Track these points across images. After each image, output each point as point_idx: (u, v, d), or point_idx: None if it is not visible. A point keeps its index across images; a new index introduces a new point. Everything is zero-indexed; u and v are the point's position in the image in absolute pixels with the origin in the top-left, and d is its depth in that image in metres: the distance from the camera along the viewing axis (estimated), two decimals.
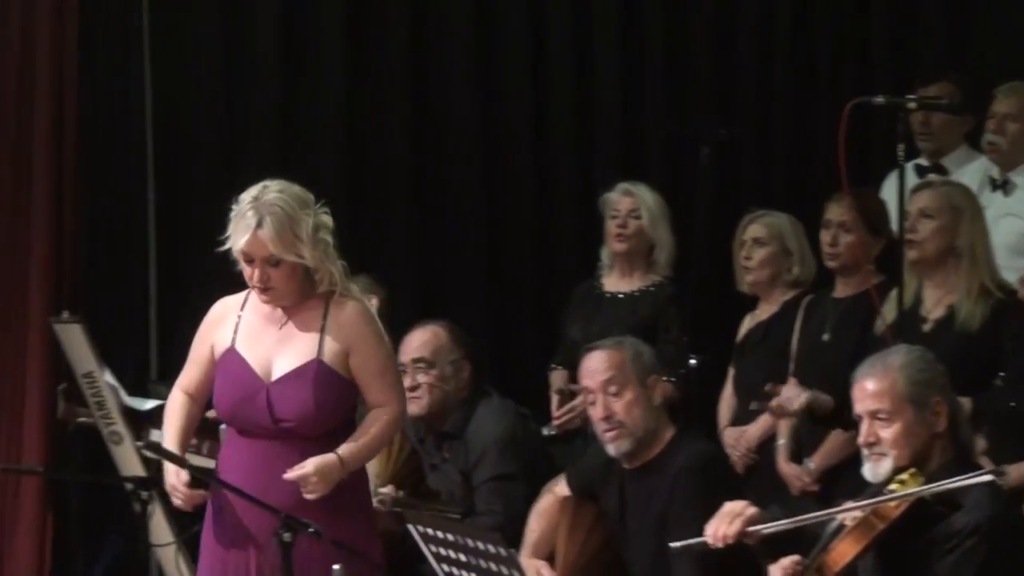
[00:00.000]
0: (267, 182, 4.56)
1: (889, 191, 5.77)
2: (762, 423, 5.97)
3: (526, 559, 4.96)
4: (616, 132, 7.49)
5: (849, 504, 3.97)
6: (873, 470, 4.02)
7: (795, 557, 3.90)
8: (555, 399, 6.47)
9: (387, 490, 5.44)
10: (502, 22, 7.41)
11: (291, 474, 4.42)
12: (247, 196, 4.52)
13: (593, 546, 4.99)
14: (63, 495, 6.87)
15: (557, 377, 6.51)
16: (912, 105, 5.35)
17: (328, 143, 7.31)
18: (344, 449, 4.45)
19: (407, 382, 5.58)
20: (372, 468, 5.74)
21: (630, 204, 6.40)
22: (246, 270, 4.53)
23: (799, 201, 6.68)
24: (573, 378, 6.13)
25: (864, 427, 4.10)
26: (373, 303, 6.40)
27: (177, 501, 4.73)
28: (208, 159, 7.18)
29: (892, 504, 3.83)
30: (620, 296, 6.41)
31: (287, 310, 4.60)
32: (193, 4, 7.14)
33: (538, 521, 5.15)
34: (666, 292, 6.33)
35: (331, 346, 4.55)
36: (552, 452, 6.01)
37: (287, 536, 4.28)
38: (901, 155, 5.25)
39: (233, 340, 4.62)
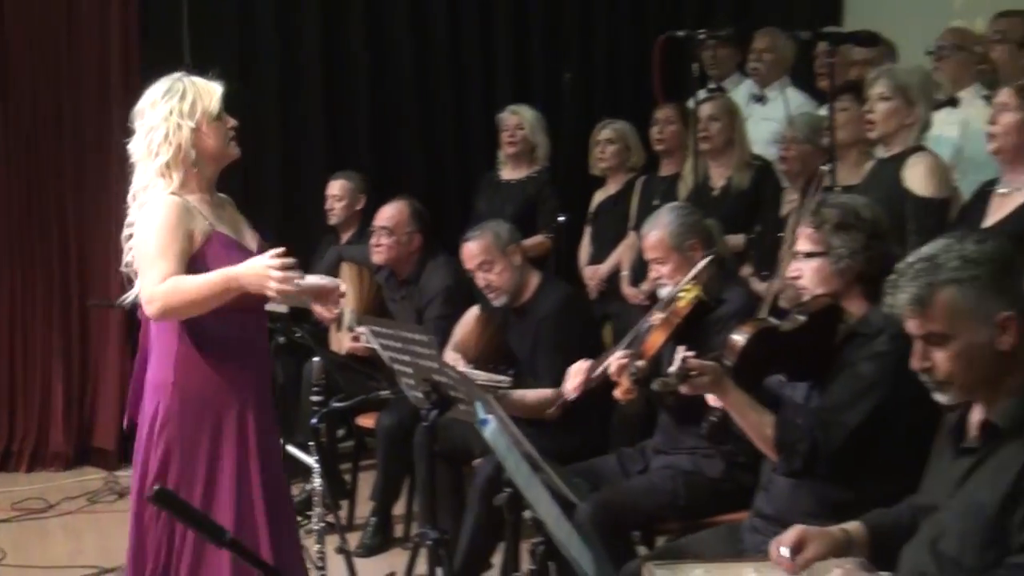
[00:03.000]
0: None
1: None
2: (609, 263, 6.13)
3: (449, 350, 5.02)
4: (510, 67, 7.64)
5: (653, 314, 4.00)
6: (663, 293, 4.11)
7: (623, 351, 3.88)
8: None
9: (363, 329, 5.16)
10: None
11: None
12: (178, 75, 3.51)
13: (495, 342, 5.03)
14: (138, 326, 6.52)
15: None
16: (702, 36, 5.23)
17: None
18: None
19: (373, 240, 5.66)
20: (348, 298, 5.71)
21: (516, 121, 6.47)
22: (228, 122, 3.52)
23: (631, 109, 6.76)
24: None
25: (651, 268, 4.22)
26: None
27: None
28: None
29: (680, 305, 3.89)
30: (512, 182, 6.48)
31: (220, 201, 3.60)
32: None
33: (460, 329, 5.20)
34: (544, 177, 6.43)
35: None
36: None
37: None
38: (696, 73, 5.26)
39: (211, 223, 3.47)
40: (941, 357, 2.58)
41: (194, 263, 3.42)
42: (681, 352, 3.25)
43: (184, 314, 3.38)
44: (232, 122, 3.54)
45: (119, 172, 6.37)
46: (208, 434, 3.46)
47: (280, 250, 3.35)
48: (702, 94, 5.63)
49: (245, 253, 3.50)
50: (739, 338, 3.29)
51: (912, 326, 2.62)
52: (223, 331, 3.46)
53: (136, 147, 3.50)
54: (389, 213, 5.71)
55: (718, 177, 5.68)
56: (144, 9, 6.91)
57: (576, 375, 4.17)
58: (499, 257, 4.90)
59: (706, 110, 5.63)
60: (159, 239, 3.37)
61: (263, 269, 3.30)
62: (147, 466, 3.47)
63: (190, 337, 3.44)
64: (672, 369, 3.22)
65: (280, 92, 7.26)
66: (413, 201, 5.80)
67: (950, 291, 2.56)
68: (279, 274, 3.28)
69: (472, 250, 4.94)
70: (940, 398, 2.64)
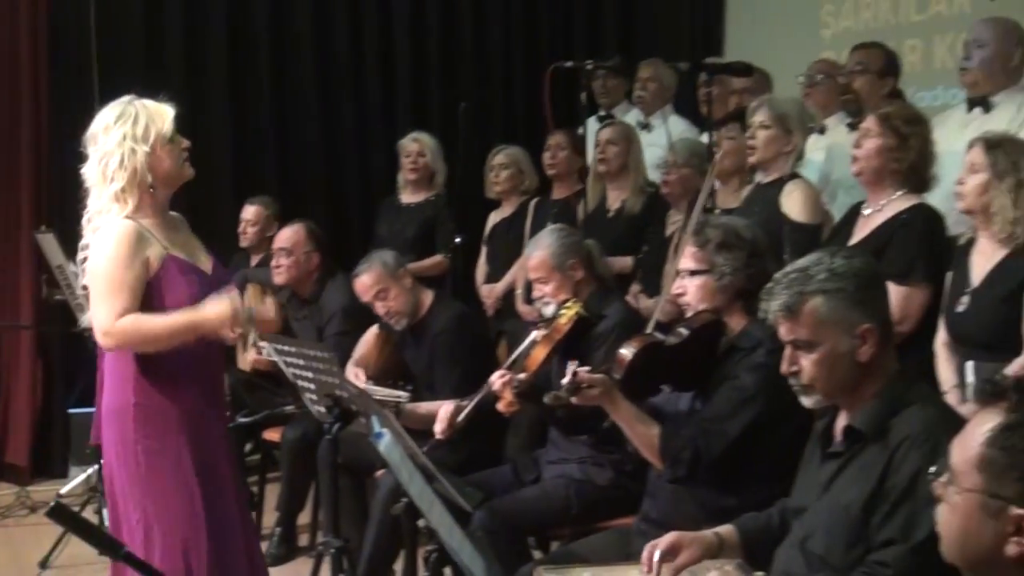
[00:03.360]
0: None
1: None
2: (504, 282, 6.07)
3: (350, 366, 5.00)
4: (409, 97, 7.66)
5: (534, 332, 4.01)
6: (546, 311, 4.09)
7: (502, 371, 3.83)
8: None
9: (265, 344, 5.05)
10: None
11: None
12: (128, 98, 3.41)
13: (394, 359, 5.05)
14: (48, 346, 6.75)
15: None
16: (590, 66, 5.27)
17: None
18: None
19: (274, 262, 5.65)
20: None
21: (418, 147, 6.43)
22: (181, 143, 3.44)
23: (524, 136, 6.85)
24: None
25: (535, 287, 4.21)
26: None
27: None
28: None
29: (561, 322, 3.93)
30: (412, 205, 6.43)
31: (174, 222, 3.53)
32: None
33: (361, 346, 5.17)
34: (442, 200, 6.40)
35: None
36: None
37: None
38: (585, 101, 5.24)
39: (165, 248, 3.37)
40: (806, 362, 2.64)
41: (149, 289, 3.34)
42: (572, 366, 3.29)
43: (139, 349, 3.33)
44: (185, 143, 3.45)
45: (28, 192, 6.46)
46: (174, 448, 3.38)
47: (234, 294, 3.37)
48: (592, 121, 5.65)
49: (200, 275, 3.43)
50: (627, 352, 3.34)
51: (782, 331, 2.68)
52: (178, 354, 3.38)
53: (90, 173, 3.39)
54: (287, 235, 5.72)
55: (614, 200, 5.73)
56: (52, 24, 6.78)
57: (441, 420, 4.22)
58: (392, 283, 4.91)
59: (605, 134, 5.69)
60: (114, 270, 3.28)
61: (222, 320, 3.33)
62: (115, 491, 3.42)
63: (147, 361, 3.37)
64: (564, 382, 3.25)
65: (187, 116, 7.02)
66: (309, 223, 5.80)
67: (817, 301, 2.61)
68: (234, 329, 3.35)
69: (365, 282, 4.94)
70: (805, 401, 2.70)
